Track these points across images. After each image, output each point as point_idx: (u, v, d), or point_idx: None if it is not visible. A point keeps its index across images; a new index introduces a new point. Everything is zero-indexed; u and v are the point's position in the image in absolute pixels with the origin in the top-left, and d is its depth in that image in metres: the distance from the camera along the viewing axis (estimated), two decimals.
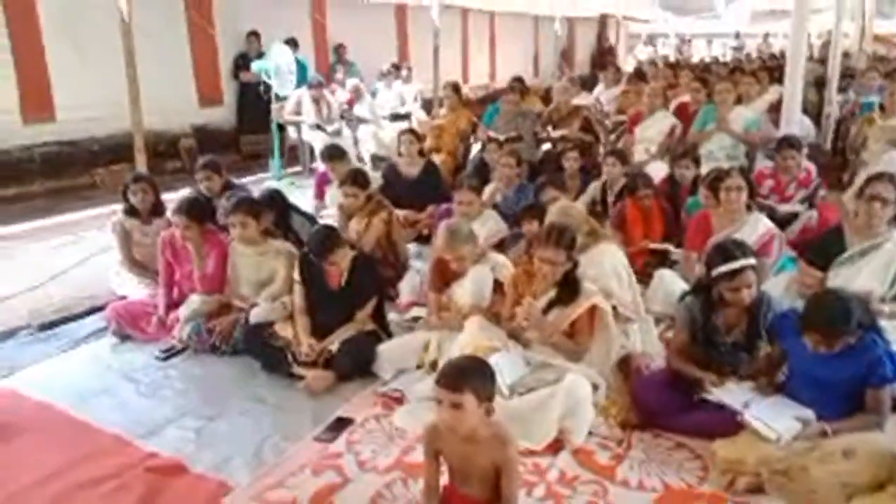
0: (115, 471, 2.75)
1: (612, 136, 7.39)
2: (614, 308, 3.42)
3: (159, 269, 4.17)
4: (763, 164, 5.76)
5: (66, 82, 7.19)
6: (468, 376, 2.15)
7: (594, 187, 5.43)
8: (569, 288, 3.19)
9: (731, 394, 2.83)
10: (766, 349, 2.93)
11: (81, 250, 5.37)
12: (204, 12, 8.66)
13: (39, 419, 3.18)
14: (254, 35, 8.95)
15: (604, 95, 8.79)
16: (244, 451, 2.93)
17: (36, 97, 7.08)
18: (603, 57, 17.83)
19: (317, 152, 7.08)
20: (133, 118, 5.56)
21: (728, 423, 2.72)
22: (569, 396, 2.88)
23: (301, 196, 6.48)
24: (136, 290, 4.31)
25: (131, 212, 4.44)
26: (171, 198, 4.65)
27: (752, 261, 2.92)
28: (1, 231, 5.95)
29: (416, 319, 4.03)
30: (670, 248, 4.66)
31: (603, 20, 18.71)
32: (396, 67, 10.01)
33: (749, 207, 4.18)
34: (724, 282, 2.91)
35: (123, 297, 4.28)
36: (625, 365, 3.32)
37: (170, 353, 3.82)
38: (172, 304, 4.06)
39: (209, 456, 2.90)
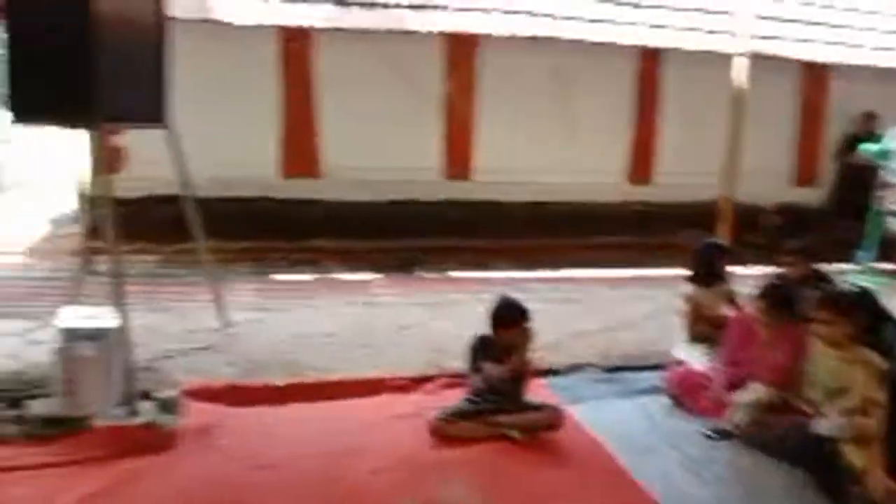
0: None
1: None
2: None
3: (723, 346, 4.10)
4: None
5: (671, 150, 7.84)
6: None
7: None
8: None
9: None
10: None
11: (651, 305, 5.71)
12: (821, 90, 8.37)
13: (590, 455, 3.46)
14: (870, 116, 8.22)
15: None
16: None
17: (642, 162, 7.99)
18: None
19: None
20: (725, 187, 5.66)
21: None
22: None
23: (888, 298, 5.56)
24: (694, 360, 4.34)
25: (700, 280, 4.58)
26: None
27: None
28: (576, 274, 6.82)
29: None
30: None
31: None
32: None
33: None
34: None
35: (681, 363, 4.36)
36: None
37: (720, 435, 3.72)
38: (732, 385, 3.93)
39: None
